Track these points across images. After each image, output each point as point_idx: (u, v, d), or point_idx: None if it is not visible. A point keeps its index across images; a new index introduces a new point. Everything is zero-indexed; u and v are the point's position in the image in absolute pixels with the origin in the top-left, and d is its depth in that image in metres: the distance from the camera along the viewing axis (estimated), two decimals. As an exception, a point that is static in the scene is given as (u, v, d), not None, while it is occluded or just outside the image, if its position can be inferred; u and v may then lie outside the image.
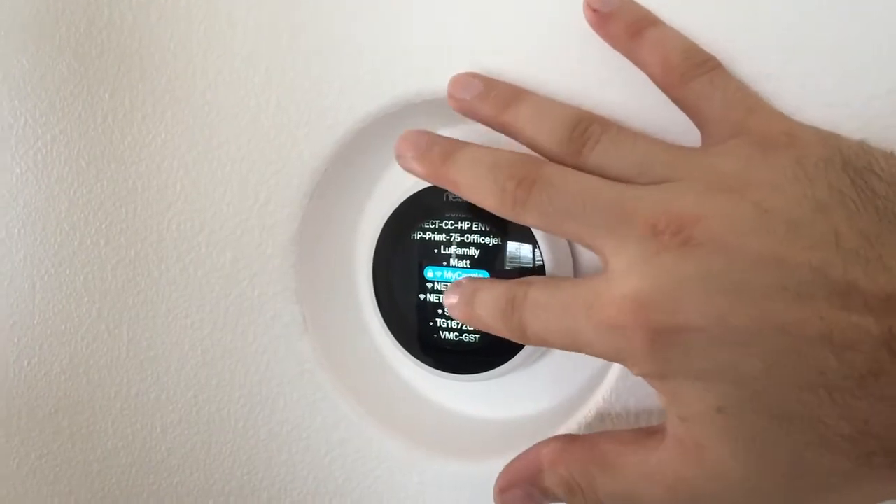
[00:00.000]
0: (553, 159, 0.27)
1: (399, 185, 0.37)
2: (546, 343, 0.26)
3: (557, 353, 0.36)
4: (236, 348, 0.39)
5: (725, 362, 0.21)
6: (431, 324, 0.35)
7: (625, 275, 0.23)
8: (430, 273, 0.35)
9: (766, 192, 0.22)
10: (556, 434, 0.30)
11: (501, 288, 0.27)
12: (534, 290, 0.26)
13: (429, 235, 0.35)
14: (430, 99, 0.34)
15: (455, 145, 0.29)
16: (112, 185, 0.40)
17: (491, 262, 0.34)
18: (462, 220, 0.34)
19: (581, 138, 0.26)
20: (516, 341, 0.27)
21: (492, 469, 0.34)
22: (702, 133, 0.27)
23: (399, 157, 0.29)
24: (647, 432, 0.25)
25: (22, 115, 0.40)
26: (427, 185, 0.35)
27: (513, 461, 0.29)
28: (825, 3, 0.27)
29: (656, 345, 0.22)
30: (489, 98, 0.29)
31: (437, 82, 0.33)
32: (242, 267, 0.38)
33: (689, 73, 0.26)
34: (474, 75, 0.30)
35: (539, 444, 0.29)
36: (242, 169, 0.37)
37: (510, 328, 0.27)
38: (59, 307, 0.42)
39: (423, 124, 0.36)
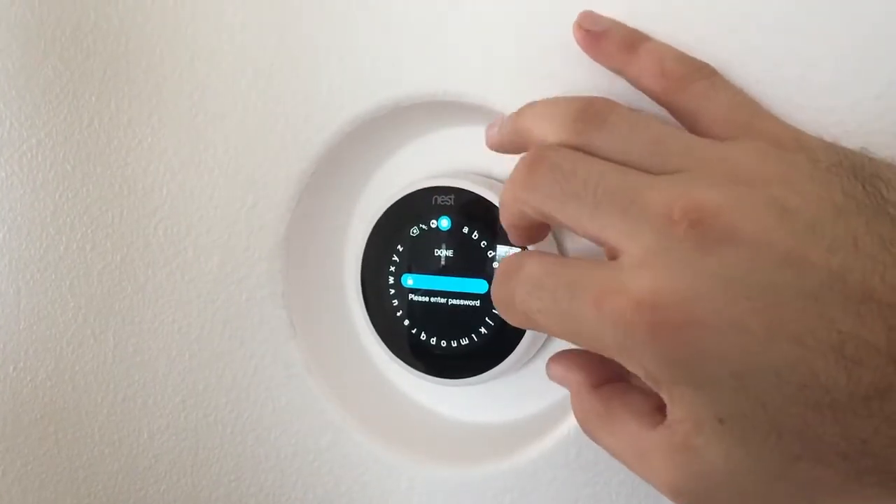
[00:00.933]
0: (559, 141, 0.25)
1: (388, 188, 0.36)
2: (536, 324, 0.24)
3: (546, 357, 0.35)
4: (224, 353, 0.38)
5: (736, 372, 0.20)
6: (420, 328, 0.35)
7: (639, 267, 0.21)
8: (419, 277, 0.35)
9: (784, 189, 0.21)
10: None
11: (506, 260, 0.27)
12: (531, 263, 0.24)
13: (418, 239, 0.35)
14: (419, 102, 0.33)
15: None
16: (98, 188, 0.40)
17: (481, 266, 0.33)
18: (451, 223, 0.34)
19: (585, 117, 0.25)
20: (504, 317, 0.26)
21: (480, 474, 0.34)
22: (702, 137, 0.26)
23: None
24: (655, 405, 0.24)
25: (7, 119, 0.40)
26: (417, 188, 0.34)
27: (557, 356, 0.29)
28: (813, 9, 0.27)
29: (666, 346, 0.21)
30: (507, 117, 0.28)
31: (427, 85, 0.33)
32: (230, 271, 0.38)
33: (687, 77, 0.26)
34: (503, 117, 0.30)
35: (570, 372, 0.28)
36: (229, 172, 0.37)
37: (501, 302, 0.26)
38: (44, 312, 0.42)
39: (413, 127, 0.36)
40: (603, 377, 0.27)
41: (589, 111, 0.25)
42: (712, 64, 0.27)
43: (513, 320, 0.25)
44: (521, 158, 0.25)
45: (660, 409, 0.23)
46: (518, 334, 0.33)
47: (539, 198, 0.24)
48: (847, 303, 0.20)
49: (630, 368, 0.22)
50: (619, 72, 0.28)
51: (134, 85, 0.39)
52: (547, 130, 0.25)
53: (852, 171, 0.22)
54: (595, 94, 0.29)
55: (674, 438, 0.22)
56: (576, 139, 0.24)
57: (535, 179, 0.24)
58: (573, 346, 0.29)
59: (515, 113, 0.28)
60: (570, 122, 0.25)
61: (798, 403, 0.20)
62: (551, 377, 0.29)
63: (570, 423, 0.32)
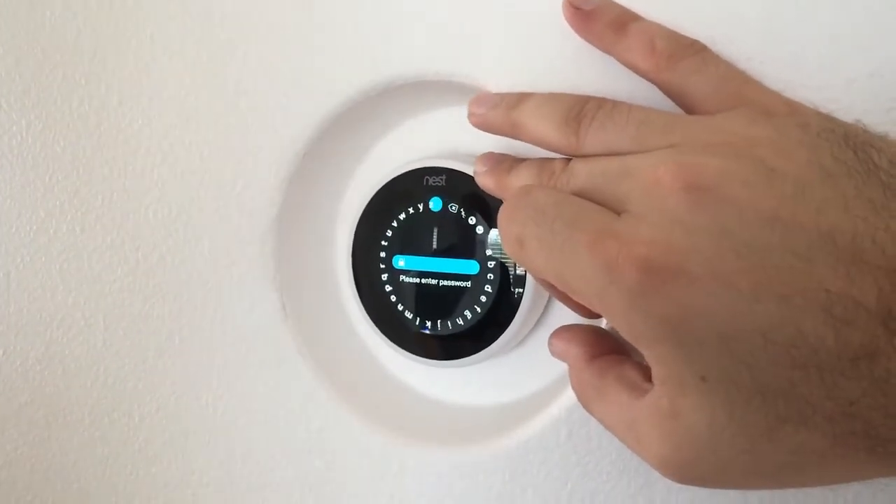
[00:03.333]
0: (554, 145, 0.27)
1: (379, 169, 0.36)
2: (527, 253, 0.25)
3: (537, 340, 0.35)
4: (214, 336, 0.38)
5: (721, 332, 0.20)
6: (411, 310, 0.35)
7: (636, 220, 0.22)
8: (410, 259, 0.35)
9: (772, 152, 0.22)
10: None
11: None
12: (540, 192, 0.25)
13: (409, 220, 0.35)
14: (411, 82, 0.33)
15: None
16: (88, 171, 0.40)
17: (472, 247, 0.33)
18: (442, 204, 0.34)
19: (578, 117, 0.26)
20: (501, 238, 0.26)
21: (471, 455, 0.34)
22: (693, 113, 0.26)
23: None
24: (647, 376, 0.24)
25: (-4, 101, 0.40)
26: (407, 169, 0.34)
27: (558, 331, 0.29)
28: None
29: (653, 299, 0.21)
30: (501, 104, 0.29)
31: (418, 65, 0.33)
32: (221, 254, 0.38)
33: (677, 54, 0.26)
34: (491, 92, 0.31)
35: (570, 346, 0.28)
36: (220, 154, 0.37)
37: (503, 220, 0.26)
38: (34, 296, 0.42)
39: (404, 107, 0.36)
40: (601, 351, 0.27)
41: (579, 113, 0.26)
42: (705, 42, 0.27)
43: (508, 245, 0.26)
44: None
45: (650, 380, 0.23)
46: (509, 316, 0.33)
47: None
48: (837, 263, 0.20)
49: (610, 320, 0.23)
50: (609, 51, 0.29)
51: (125, 67, 0.38)
52: (541, 129, 0.27)
53: (844, 138, 0.22)
54: (586, 72, 0.30)
55: (660, 404, 0.22)
56: (567, 141, 0.26)
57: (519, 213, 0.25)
58: (569, 323, 0.29)
59: (510, 104, 0.29)
60: (563, 124, 0.26)
61: (784, 364, 0.20)
62: (552, 352, 0.29)
63: (561, 404, 0.32)
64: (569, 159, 0.27)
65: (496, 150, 0.32)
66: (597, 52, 0.29)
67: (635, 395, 0.24)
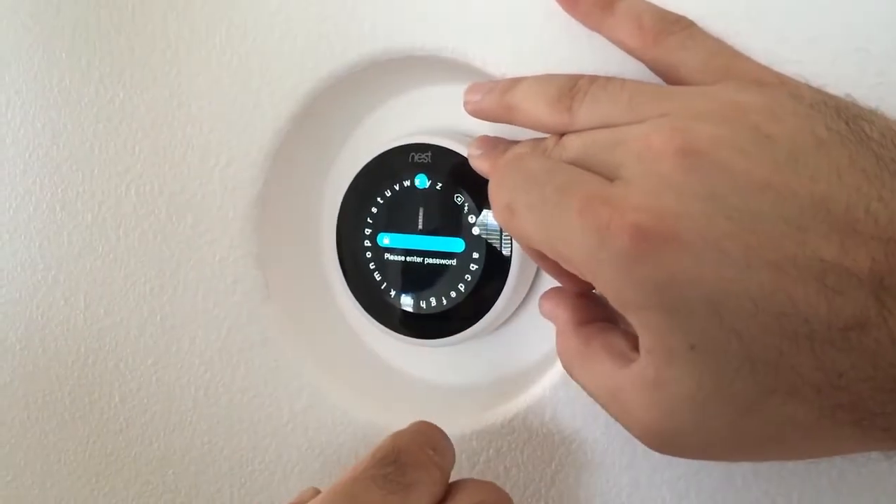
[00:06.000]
0: (548, 124, 0.27)
1: (365, 146, 0.36)
2: (517, 220, 0.24)
3: (522, 319, 0.35)
4: (197, 314, 0.38)
5: (710, 298, 0.20)
6: (395, 288, 0.35)
7: (627, 186, 0.22)
8: (395, 237, 0.34)
9: (765, 118, 0.21)
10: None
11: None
12: (532, 158, 0.25)
13: (394, 197, 0.34)
14: (396, 57, 0.33)
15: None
16: (68, 147, 0.39)
17: (458, 224, 0.33)
18: (428, 181, 0.34)
19: (569, 94, 0.26)
20: (492, 204, 0.26)
21: (456, 434, 0.34)
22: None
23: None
24: (633, 345, 0.24)
25: (-26, 75, 0.39)
26: (393, 145, 0.34)
27: (549, 292, 0.29)
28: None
29: (642, 264, 0.21)
30: (494, 89, 0.29)
31: (404, 40, 0.32)
32: (203, 231, 0.37)
33: (665, 31, 0.26)
34: (484, 81, 0.31)
35: (558, 309, 0.28)
36: (203, 130, 0.36)
37: (494, 187, 0.26)
38: (13, 275, 0.41)
39: (389, 83, 0.36)
40: (589, 318, 0.27)
41: (572, 89, 0.26)
42: (692, 19, 0.27)
43: (498, 212, 0.25)
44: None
45: (637, 349, 0.23)
46: (494, 294, 0.33)
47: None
48: (830, 232, 0.20)
49: (599, 287, 0.22)
50: (597, 29, 0.29)
51: (105, 41, 0.38)
52: (534, 109, 0.27)
53: (836, 110, 0.22)
54: (575, 48, 0.30)
55: (646, 373, 0.22)
56: (560, 118, 0.26)
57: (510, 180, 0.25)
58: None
59: (503, 89, 0.29)
60: (555, 101, 0.26)
61: (774, 333, 0.20)
62: (541, 312, 0.29)
63: (546, 383, 0.32)
64: (562, 136, 0.26)
65: (484, 131, 0.31)
66: (585, 29, 0.29)
67: (621, 364, 0.24)
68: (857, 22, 0.27)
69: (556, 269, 0.27)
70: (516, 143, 0.30)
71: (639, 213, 0.21)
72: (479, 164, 0.30)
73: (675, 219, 0.20)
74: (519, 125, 0.28)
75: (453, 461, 0.30)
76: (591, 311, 0.27)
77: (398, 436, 0.29)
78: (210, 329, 0.38)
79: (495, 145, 0.30)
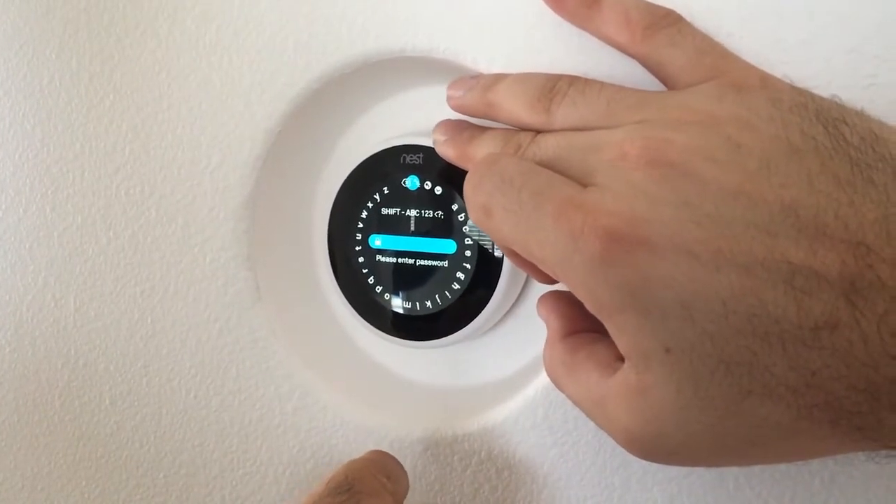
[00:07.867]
0: (526, 123, 0.27)
1: (357, 147, 0.36)
2: (493, 222, 0.24)
3: (513, 321, 0.35)
4: (187, 317, 0.38)
5: (682, 300, 0.21)
6: (387, 290, 0.35)
7: (601, 191, 0.22)
8: (386, 238, 0.34)
9: (738, 128, 0.22)
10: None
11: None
12: (507, 161, 0.25)
13: (386, 199, 0.34)
14: (387, 58, 0.33)
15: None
16: (58, 148, 0.39)
17: (449, 226, 0.33)
18: (419, 182, 0.33)
19: (549, 94, 0.27)
20: (467, 206, 0.26)
21: (448, 436, 0.33)
22: (670, 85, 0.26)
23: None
24: (617, 355, 0.24)
25: (-37, 76, 0.39)
26: (385, 147, 0.34)
27: (546, 296, 0.29)
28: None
29: (614, 267, 0.21)
30: (477, 86, 0.29)
31: (396, 40, 0.32)
32: (194, 232, 0.37)
33: (653, 26, 0.26)
34: (467, 76, 0.31)
35: (551, 316, 0.28)
36: (194, 131, 0.36)
37: (470, 189, 0.26)
38: (3, 276, 0.41)
39: (380, 84, 0.35)
40: (577, 328, 0.27)
41: (552, 90, 0.27)
42: (684, 16, 0.27)
43: (474, 213, 0.26)
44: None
45: (621, 359, 0.23)
46: (486, 296, 0.33)
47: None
48: (799, 236, 0.20)
49: (574, 290, 0.23)
50: (584, 27, 0.29)
51: (95, 42, 0.38)
52: (514, 108, 0.27)
53: (816, 113, 0.22)
54: (563, 48, 0.30)
55: (628, 381, 0.22)
56: (538, 118, 0.27)
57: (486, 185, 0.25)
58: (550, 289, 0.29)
59: (486, 85, 0.29)
60: (535, 101, 0.27)
61: (746, 334, 0.20)
62: (539, 313, 0.29)
63: (537, 385, 0.32)
64: (537, 133, 0.27)
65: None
66: (575, 29, 0.29)
67: (605, 374, 0.24)
68: (849, 23, 0.27)
69: (531, 267, 0.27)
70: (481, 128, 0.30)
71: (611, 217, 0.21)
72: (445, 150, 0.30)
73: (646, 224, 0.21)
74: (499, 122, 0.29)
75: (407, 488, 0.31)
76: (580, 320, 0.27)
77: (352, 464, 0.30)
78: (201, 331, 0.37)
79: (460, 130, 0.30)
